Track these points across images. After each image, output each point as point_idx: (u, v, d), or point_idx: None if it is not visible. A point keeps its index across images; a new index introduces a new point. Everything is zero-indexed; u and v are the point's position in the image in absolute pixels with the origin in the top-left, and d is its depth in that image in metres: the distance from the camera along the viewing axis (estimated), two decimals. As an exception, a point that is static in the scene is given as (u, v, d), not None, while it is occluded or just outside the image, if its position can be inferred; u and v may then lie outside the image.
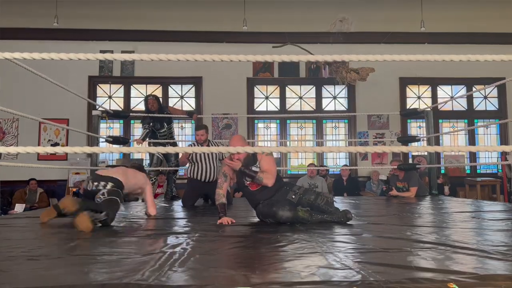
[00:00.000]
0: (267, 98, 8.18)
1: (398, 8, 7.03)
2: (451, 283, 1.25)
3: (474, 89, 8.03)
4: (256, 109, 8.06)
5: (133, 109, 7.83)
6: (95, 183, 2.90)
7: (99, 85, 7.97)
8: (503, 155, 7.69)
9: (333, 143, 8.28)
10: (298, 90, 8.25)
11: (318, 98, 8.22)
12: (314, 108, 8.17)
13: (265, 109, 8.11)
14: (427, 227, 2.62)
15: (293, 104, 8.23)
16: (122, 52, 7.67)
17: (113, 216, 2.75)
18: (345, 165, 7.70)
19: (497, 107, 8.28)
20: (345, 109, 8.15)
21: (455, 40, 7.76)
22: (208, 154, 4.41)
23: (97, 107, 6.52)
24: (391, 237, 2.22)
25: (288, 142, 8.15)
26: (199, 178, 4.44)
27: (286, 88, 8.23)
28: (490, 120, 8.15)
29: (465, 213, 3.38)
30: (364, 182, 7.54)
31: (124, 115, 6.36)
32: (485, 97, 8.33)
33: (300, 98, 8.22)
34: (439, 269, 1.45)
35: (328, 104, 8.24)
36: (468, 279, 1.30)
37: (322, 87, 8.22)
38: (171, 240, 2.16)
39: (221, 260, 1.70)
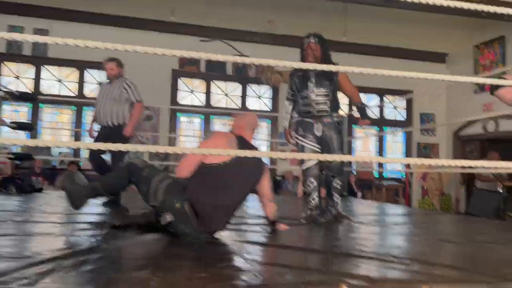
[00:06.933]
0: (192, 92, 8.04)
1: (324, 16, 7.31)
2: (343, 286, 1.31)
3: (385, 100, 8.66)
4: (180, 103, 7.90)
5: (43, 93, 7.23)
6: None
7: (5, 62, 7.23)
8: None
9: (255, 141, 8.39)
10: (224, 86, 8.24)
11: (244, 96, 8.28)
12: (239, 106, 8.21)
13: (189, 103, 7.97)
14: (331, 230, 2.76)
15: (218, 100, 8.20)
16: (35, 30, 7.03)
17: None
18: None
19: (405, 117, 9.02)
20: (269, 109, 8.31)
21: (373, 52, 8.29)
22: (106, 91, 3.81)
23: (0, 87, 5.89)
24: (298, 239, 2.30)
25: (210, 138, 8.09)
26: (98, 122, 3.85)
27: (212, 83, 8.17)
28: (398, 128, 8.86)
29: (369, 216, 3.62)
30: (281, 181, 7.75)
31: (32, 97, 5.83)
32: (395, 108, 9.04)
33: (226, 95, 8.21)
34: (333, 272, 1.52)
35: (253, 103, 8.34)
36: (360, 283, 1.37)
37: (248, 86, 8.30)
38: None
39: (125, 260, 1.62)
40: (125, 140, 3.63)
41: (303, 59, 3.20)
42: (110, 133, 3.62)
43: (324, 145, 3.16)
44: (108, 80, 3.95)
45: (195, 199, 2.08)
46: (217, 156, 2.11)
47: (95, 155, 3.68)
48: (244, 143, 2.31)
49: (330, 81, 3.12)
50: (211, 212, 2.11)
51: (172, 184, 2.12)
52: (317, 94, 3.12)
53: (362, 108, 3.23)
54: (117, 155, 3.59)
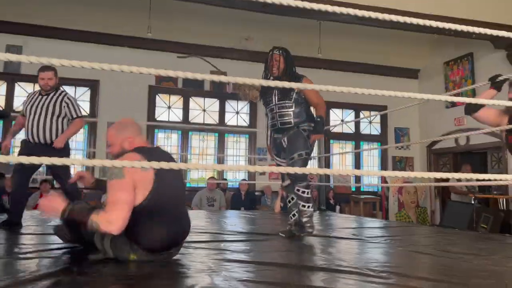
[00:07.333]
0: (169, 108, 8.01)
1: (299, 33, 7.44)
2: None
3: (361, 115, 8.84)
4: (157, 119, 7.85)
5: (16, 110, 7.05)
6: None
7: (-24, 79, 7.05)
8: (383, 176, 8.54)
9: (234, 157, 8.39)
10: (202, 102, 8.24)
11: (221, 112, 8.29)
12: (217, 121, 8.22)
13: (166, 119, 7.93)
14: (310, 245, 2.77)
15: (196, 116, 8.18)
16: (8, 46, 6.91)
17: None
18: (244, 180, 7.85)
19: (380, 132, 9.20)
20: (247, 125, 8.34)
21: (347, 68, 8.47)
22: (41, 104, 3.40)
23: (-30, 104, 5.73)
24: (276, 255, 2.29)
25: (189, 155, 8.05)
26: (28, 138, 3.39)
27: (190, 99, 8.16)
28: (374, 143, 9.03)
29: (348, 230, 3.65)
30: (260, 196, 7.74)
31: (3, 114, 5.68)
32: (370, 122, 9.22)
33: (204, 110, 8.21)
34: (312, 287, 1.52)
35: (231, 119, 8.36)
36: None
37: (226, 102, 8.32)
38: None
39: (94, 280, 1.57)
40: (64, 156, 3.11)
41: (267, 70, 3.13)
42: (46, 150, 3.03)
43: (287, 151, 3.09)
44: (41, 91, 3.51)
45: (145, 241, 1.92)
46: (141, 190, 1.85)
47: (24, 178, 3.31)
48: (147, 152, 1.95)
49: (293, 92, 3.04)
50: (166, 237, 1.96)
51: (116, 238, 1.89)
52: (280, 106, 3.04)
53: (318, 122, 3.07)
54: (65, 175, 3.29)
